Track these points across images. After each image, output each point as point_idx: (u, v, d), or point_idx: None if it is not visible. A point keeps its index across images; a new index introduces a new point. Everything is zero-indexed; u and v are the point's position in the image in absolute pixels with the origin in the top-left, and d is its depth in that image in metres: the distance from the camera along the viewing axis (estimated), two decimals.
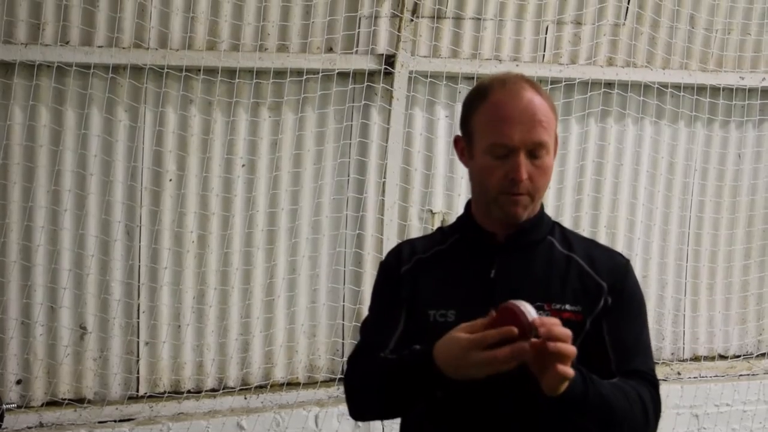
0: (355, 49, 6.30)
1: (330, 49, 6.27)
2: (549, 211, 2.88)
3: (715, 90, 7.16)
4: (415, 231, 6.46)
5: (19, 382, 5.89)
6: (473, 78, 6.45)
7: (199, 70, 5.99)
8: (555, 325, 2.33)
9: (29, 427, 5.83)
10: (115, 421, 5.99)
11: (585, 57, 6.85)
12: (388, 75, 6.36)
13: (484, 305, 2.58)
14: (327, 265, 6.44)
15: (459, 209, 2.86)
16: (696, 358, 7.42)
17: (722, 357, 7.48)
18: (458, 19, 6.52)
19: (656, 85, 7.00)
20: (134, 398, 6.11)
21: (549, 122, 2.62)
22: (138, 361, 6.11)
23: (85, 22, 5.73)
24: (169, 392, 6.16)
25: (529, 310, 2.33)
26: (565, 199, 6.90)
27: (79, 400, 5.97)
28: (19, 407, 5.84)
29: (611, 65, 6.91)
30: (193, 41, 5.98)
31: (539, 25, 6.72)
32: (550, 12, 6.70)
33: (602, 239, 6.87)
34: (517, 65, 6.59)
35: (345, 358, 6.42)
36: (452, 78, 6.52)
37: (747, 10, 7.10)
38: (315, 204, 6.35)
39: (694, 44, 7.05)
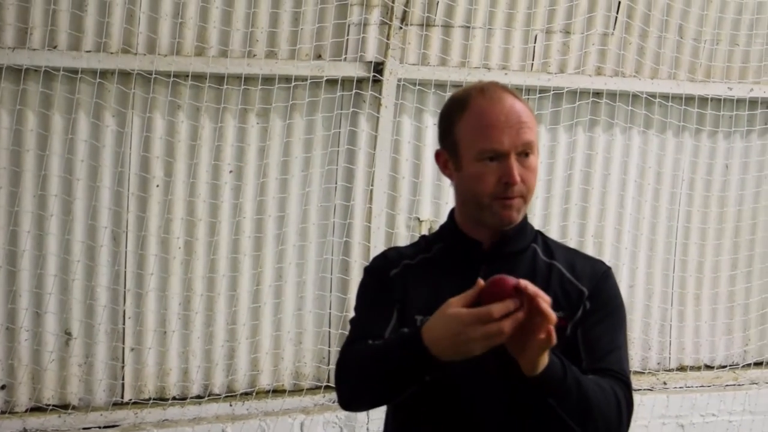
0: (343, 57, 6.30)
1: (319, 56, 6.27)
2: (536, 220, 2.89)
3: (703, 100, 7.17)
4: (403, 239, 6.46)
5: (3, 387, 5.87)
6: (462, 86, 6.42)
7: (188, 76, 5.98)
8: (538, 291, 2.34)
9: None
10: (99, 428, 5.97)
11: (574, 66, 6.86)
12: (377, 82, 6.36)
13: None
14: (314, 272, 6.43)
15: (446, 217, 2.86)
16: (682, 368, 7.43)
17: (708, 367, 7.48)
18: (447, 27, 6.53)
19: (644, 95, 7.01)
20: (119, 404, 6.09)
21: (532, 123, 2.65)
22: (123, 367, 6.09)
23: (73, 27, 5.72)
24: (154, 399, 6.13)
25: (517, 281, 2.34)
26: (553, 209, 6.90)
27: (63, 406, 5.95)
28: (3, 413, 5.82)
29: (600, 75, 6.92)
30: (181, 47, 5.97)
31: (528, 34, 6.73)
32: (539, 21, 6.70)
33: (589, 248, 6.88)
34: (505, 74, 6.59)
35: (331, 366, 6.43)
36: (441, 86, 6.52)
37: (735, 20, 7.12)
38: (302, 211, 6.35)
39: (683, 54, 7.06)
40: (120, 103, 5.90)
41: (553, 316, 2.31)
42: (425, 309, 2.70)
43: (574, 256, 2.85)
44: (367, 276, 2.89)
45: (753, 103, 7.31)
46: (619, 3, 6.87)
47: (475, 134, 2.63)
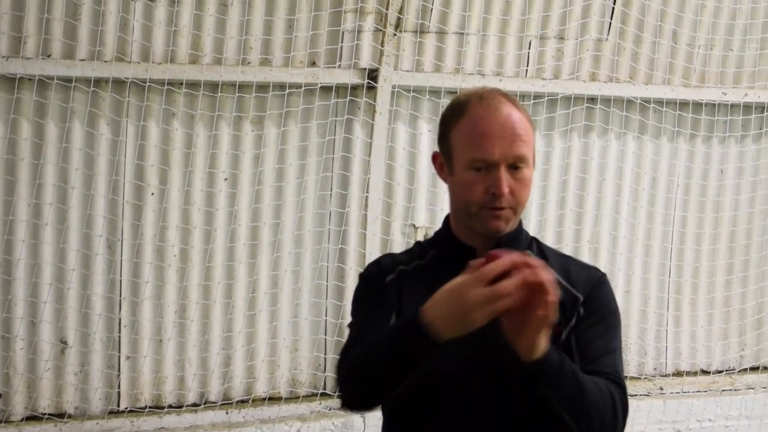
0: (338, 64, 6.30)
1: (313, 63, 6.27)
2: (532, 226, 2.89)
3: (697, 105, 7.17)
4: (398, 245, 6.45)
5: None
6: (456, 92, 6.44)
7: (182, 84, 5.98)
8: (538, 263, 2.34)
9: None
10: None
11: (568, 72, 6.86)
12: (371, 89, 6.36)
13: None
14: (309, 279, 6.42)
15: (441, 224, 2.87)
16: (678, 373, 7.42)
17: (705, 372, 7.48)
18: (441, 33, 6.53)
19: (639, 101, 7.02)
20: (115, 413, 6.08)
21: (528, 136, 2.63)
22: (119, 375, 6.08)
23: (67, 36, 5.72)
24: (150, 407, 6.13)
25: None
26: (548, 214, 6.90)
27: (59, 415, 5.93)
28: None
29: (594, 80, 6.93)
30: (175, 55, 5.97)
31: (522, 40, 6.73)
32: (534, 27, 6.71)
33: (585, 254, 6.89)
34: (500, 80, 6.60)
35: (327, 373, 6.43)
36: (435, 92, 6.53)
37: (729, 26, 7.12)
38: (297, 218, 6.35)
39: (677, 60, 7.07)
40: (114, 112, 5.90)
41: (553, 289, 2.30)
42: None
43: (569, 263, 2.84)
44: (362, 282, 2.88)
45: (747, 108, 7.31)
46: (613, 9, 6.88)
47: (467, 142, 2.63)
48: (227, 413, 6.26)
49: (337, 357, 2.80)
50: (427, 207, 6.63)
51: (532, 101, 6.71)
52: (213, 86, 6.05)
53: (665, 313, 7.33)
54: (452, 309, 2.34)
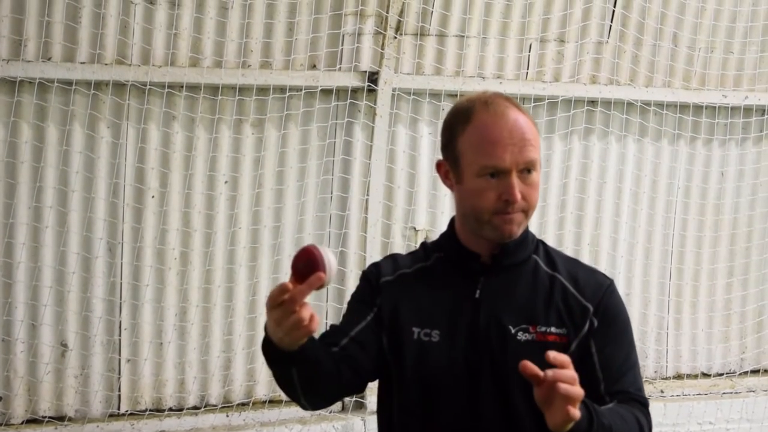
0: (338, 66, 6.30)
1: (313, 66, 6.27)
2: (532, 228, 2.88)
3: (698, 108, 7.17)
4: (398, 248, 6.44)
5: None
6: (457, 95, 6.44)
7: (182, 87, 5.98)
8: (564, 365, 2.32)
9: None
10: None
11: (568, 75, 6.86)
12: (372, 92, 6.36)
13: (468, 326, 2.67)
14: None
15: (442, 226, 2.86)
16: (679, 376, 7.42)
17: (705, 375, 7.47)
18: (442, 36, 6.53)
19: (639, 103, 7.01)
20: (115, 416, 6.08)
21: (535, 140, 2.64)
22: (119, 378, 6.08)
23: (68, 39, 5.72)
24: (150, 410, 6.13)
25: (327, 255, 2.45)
26: (549, 217, 6.90)
27: (59, 418, 5.93)
28: None
29: (594, 83, 6.92)
30: (175, 58, 5.97)
31: (523, 43, 6.73)
32: (534, 30, 6.71)
33: (585, 257, 6.88)
34: (500, 83, 6.60)
35: None
36: (435, 95, 6.53)
37: (729, 28, 7.12)
38: (298, 221, 6.34)
39: (677, 62, 7.07)
40: (115, 115, 5.90)
41: (578, 394, 2.31)
42: (422, 321, 2.71)
43: (577, 268, 2.82)
44: (359, 280, 2.90)
45: (748, 110, 7.30)
46: (614, 12, 6.88)
47: (477, 150, 2.62)
48: (228, 416, 6.26)
49: None
50: (428, 210, 6.62)
51: (533, 104, 6.70)
52: (213, 89, 6.05)
53: (666, 316, 7.33)
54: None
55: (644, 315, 7.25)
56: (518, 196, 2.59)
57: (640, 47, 6.98)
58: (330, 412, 6.38)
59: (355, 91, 6.36)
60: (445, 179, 2.77)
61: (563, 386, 2.28)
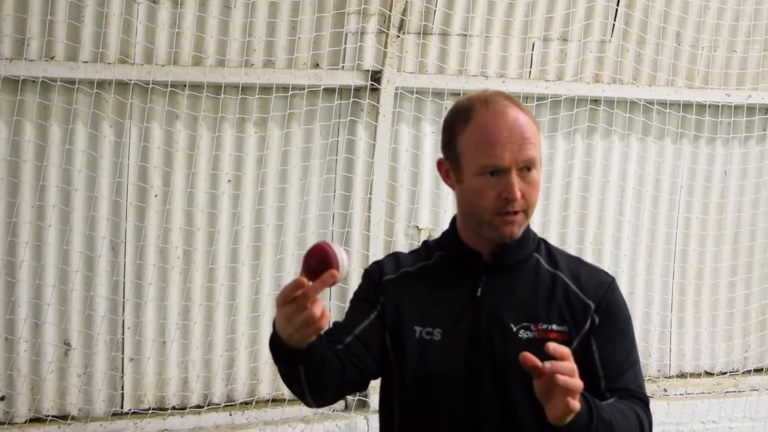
0: (341, 65, 6.30)
1: (316, 65, 6.27)
2: (535, 227, 2.88)
3: (701, 107, 7.16)
4: (401, 247, 6.44)
5: (2, 398, 5.86)
6: (459, 94, 6.42)
7: (185, 86, 5.98)
8: (563, 357, 2.33)
9: None
10: None
11: (571, 73, 6.86)
12: (374, 91, 6.36)
13: (470, 325, 2.67)
14: None
15: (445, 225, 2.85)
16: (682, 375, 7.42)
17: (708, 374, 7.47)
18: (444, 35, 6.53)
19: (642, 102, 7.01)
20: (119, 415, 6.07)
21: (535, 138, 2.63)
22: (122, 377, 6.08)
23: (71, 38, 5.72)
24: (153, 408, 6.12)
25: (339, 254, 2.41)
26: (552, 216, 6.90)
27: (63, 417, 5.94)
28: (2, 424, 5.81)
29: (597, 82, 6.92)
30: (178, 57, 5.97)
31: (525, 42, 6.73)
32: (537, 28, 6.71)
33: (588, 256, 6.87)
34: (503, 81, 6.60)
35: None
36: (438, 94, 6.53)
37: (733, 27, 7.12)
38: (301, 220, 6.34)
39: (680, 61, 7.07)
40: (117, 113, 5.90)
41: (577, 386, 2.32)
42: (423, 320, 2.71)
43: (579, 266, 2.81)
44: (362, 279, 2.90)
45: (751, 109, 7.30)
46: (617, 10, 6.88)
47: (477, 149, 2.61)
48: (231, 415, 6.26)
49: None
50: (431, 208, 6.62)
51: (536, 103, 6.70)
52: (216, 88, 6.06)
53: (669, 315, 7.33)
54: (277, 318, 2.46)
55: (647, 314, 7.25)
56: (518, 194, 2.58)
57: (643, 46, 6.97)
58: (333, 411, 6.38)
59: (358, 89, 6.36)
60: (446, 178, 2.77)
61: (562, 378, 2.28)
